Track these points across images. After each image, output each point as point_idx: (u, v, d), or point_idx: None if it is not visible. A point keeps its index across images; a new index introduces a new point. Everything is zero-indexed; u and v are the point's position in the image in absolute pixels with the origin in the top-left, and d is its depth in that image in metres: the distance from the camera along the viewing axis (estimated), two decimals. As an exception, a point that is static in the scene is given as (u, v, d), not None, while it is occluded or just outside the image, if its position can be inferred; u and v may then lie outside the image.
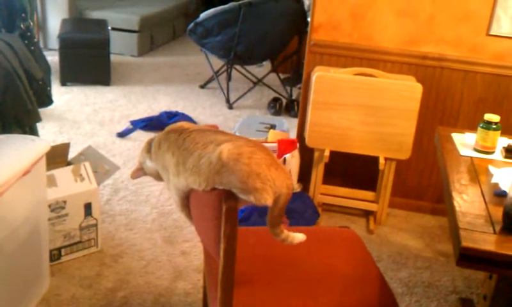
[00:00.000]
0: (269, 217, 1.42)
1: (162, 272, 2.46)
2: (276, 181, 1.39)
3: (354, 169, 3.11)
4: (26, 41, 3.11)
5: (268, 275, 1.66)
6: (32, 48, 3.15)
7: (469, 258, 1.34)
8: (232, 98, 4.78)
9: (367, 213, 3.06)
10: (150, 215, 2.91)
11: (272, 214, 1.41)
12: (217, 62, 4.99)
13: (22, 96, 2.66)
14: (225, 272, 1.42)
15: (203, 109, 4.61)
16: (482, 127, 1.98)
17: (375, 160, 2.83)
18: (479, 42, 2.82)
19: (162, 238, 2.71)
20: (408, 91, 2.69)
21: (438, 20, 2.82)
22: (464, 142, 2.07)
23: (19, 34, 3.14)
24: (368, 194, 3.00)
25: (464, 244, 1.34)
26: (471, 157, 1.94)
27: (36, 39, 3.29)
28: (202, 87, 5.18)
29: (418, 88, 2.69)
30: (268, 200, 1.39)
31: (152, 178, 1.70)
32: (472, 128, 2.16)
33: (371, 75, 2.74)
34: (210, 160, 1.40)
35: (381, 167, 2.79)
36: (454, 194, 1.62)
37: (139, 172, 1.72)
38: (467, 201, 1.59)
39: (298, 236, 1.45)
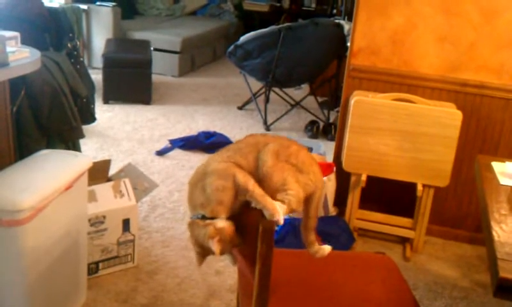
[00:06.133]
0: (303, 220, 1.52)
1: (195, 290, 2.48)
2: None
3: (391, 195, 3.08)
4: (72, 60, 3.21)
5: (302, 298, 1.65)
6: (78, 66, 3.25)
7: (507, 289, 1.31)
8: (270, 120, 4.81)
9: (403, 240, 3.02)
10: (186, 233, 2.94)
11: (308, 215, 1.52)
12: (256, 84, 5.05)
13: (67, 113, 2.74)
14: (260, 292, 1.43)
15: (240, 129, 4.65)
16: (523, 156, 1.95)
17: (412, 186, 2.80)
18: (521, 70, 2.79)
19: (197, 257, 2.73)
20: (447, 118, 2.67)
21: (479, 47, 2.80)
22: (505, 171, 2.03)
23: (66, 52, 3.25)
24: (405, 221, 2.96)
25: (502, 274, 1.32)
26: (511, 187, 1.91)
27: (81, 58, 3.40)
28: (240, 108, 5.23)
29: (457, 115, 2.66)
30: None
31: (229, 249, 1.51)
32: (513, 157, 2.13)
33: (410, 101, 2.73)
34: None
35: (418, 193, 2.76)
36: (493, 224, 1.60)
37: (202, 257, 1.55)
38: (506, 231, 1.56)
39: (327, 248, 1.53)
